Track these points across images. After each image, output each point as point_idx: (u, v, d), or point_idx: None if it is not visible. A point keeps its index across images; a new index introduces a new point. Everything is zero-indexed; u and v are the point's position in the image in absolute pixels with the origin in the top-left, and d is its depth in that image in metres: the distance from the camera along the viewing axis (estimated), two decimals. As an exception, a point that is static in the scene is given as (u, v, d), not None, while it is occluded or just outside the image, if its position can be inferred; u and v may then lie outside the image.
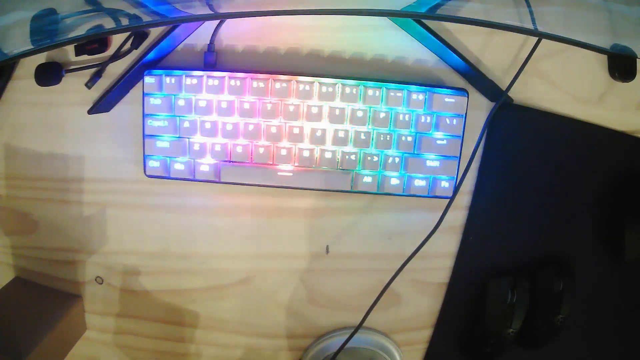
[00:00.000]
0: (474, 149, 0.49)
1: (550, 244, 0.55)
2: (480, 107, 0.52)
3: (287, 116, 0.50)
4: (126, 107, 0.54)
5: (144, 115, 0.51)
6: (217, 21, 0.51)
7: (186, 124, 0.51)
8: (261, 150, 0.51)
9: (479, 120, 0.52)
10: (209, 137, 0.51)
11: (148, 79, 0.50)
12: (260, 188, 0.53)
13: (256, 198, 0.55)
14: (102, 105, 0.53)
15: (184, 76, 0.50)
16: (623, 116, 0.52)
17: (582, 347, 0.57)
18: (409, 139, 0.51)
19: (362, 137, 0.50)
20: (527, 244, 0.55)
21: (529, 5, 0.42)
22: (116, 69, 0.53)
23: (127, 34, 0.51)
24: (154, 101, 0.51)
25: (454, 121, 0.50)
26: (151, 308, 0.58)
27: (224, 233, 0.56)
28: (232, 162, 0.51)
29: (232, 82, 0.50)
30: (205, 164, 0.52)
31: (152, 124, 0.51)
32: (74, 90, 0.53)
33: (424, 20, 0.49)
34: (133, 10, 0.43)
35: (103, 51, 0.52)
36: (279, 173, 0.51)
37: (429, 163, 0.51)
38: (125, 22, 0.43)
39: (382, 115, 0.50)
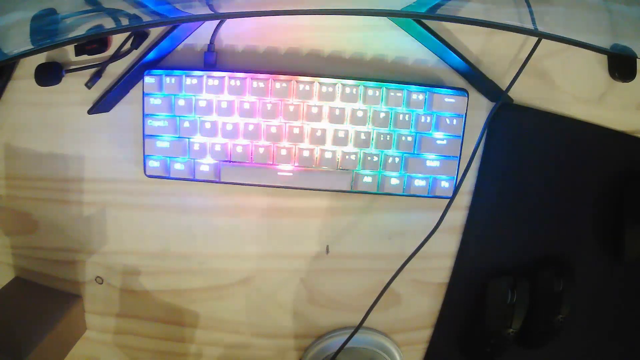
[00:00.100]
0: (474, 149, 0.49)
1: (550, 244, 0.55)
2: (480, 107, 0.52)
3: (287, 116, 0.50)
4: (126, 107, 0.54)
5: (144, 115, 0.51)
6: (217, 21, 0.51)
7: (186, 124, 0.51)
8: (261, 150, 0.51)
9: (479, 120, 0.52)
10: (209, 137, 0.51)
11: (148, 79, 0.50)
12: (260, 188, 0.53)
13: (256, 198, 0.55)
14: (102, 105, 0.53)
15: (184, 76, 0.50)
16: (623, 116, 0.52)
17: (582, 347, 0.57)
18: (409, 139, 0.51)
19: (362, 137, 0.50)
20: (527, 244, 0.55)
21: (529, 5, 0.42)
22: (116, 69, 0.53)
23: (127, 34, 0.51)
24: (154, 101, 0.51)
25: (454, 121, 0.50)
26: (151, 308, 0.58)
27: (224, 233, 0.56)
28: (232, 162, 0.51)
29: (232, 82, 0.50)
30: (205, 164, 0.52)
31: (152, 124, 0.51)
32: (74, 90, 0.53)
33: (424, 20, 0.49)
34: (133, 10, 0.43)
35: (103, 51, 0.52)
36: (279, 173, 0.51)
37: (429, 163, 0.51)
38: (125, 22, 0.43)
39: (382, 115, 0.50)
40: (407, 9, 0.43)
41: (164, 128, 0.51)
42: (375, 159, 0.51)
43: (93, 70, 0.52)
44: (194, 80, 0.50)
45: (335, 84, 0.49)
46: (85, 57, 0.52)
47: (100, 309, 0.59)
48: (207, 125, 0.51)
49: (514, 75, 0.49)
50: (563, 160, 0.53)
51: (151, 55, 0.51)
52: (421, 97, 0.50)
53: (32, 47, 0.43)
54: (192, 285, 0.57)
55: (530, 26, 0.43)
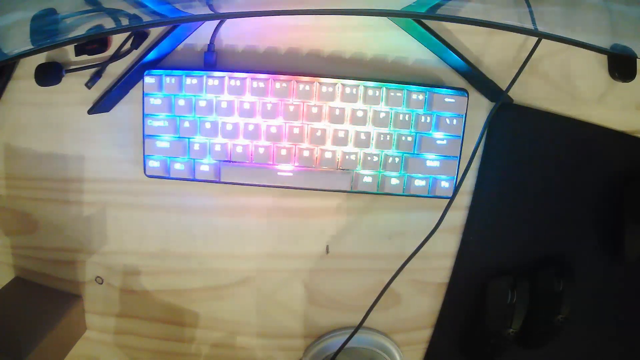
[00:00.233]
0: (474, 149, 0.49)
1: (550, 244, 0.55)
2: (480, 107, 0.52)
3: (287, 116, 0.50)
4: (126, 107, 0.54)
5: (144, 115, 0.51)
6: (217, 21, 0.51)
7: (186, 124, 0.51)
8: (261, 150, 0.51)
9: (479, 120, 0.52)
10: (209, 137, 0.51)
11: (148, 79, 0.50)
12: (260, 188, 0.53)
13: (256, 198, 0.55)
14: (102, 105, 0.53)
15: (184, 76, 0.50)
16: (623, 116, 0.52)
17: (582, 347, 0.57)
18: (409, 139, 0.51)
19: (362, 137, 0.50)
20: (527, 244, 0.55)
21: (529, 5, 0.42)
22: (116, 69, 0.53)
23: (127, 34, 0.51)
24: (154, 101, 0.51)
25: (454, 121, 0.50)
26: (151, 308, 0.58)
27: (224, 233, 0.56)
28: (232, 162, 0.51)
29: (232, 82, 0.50)
30: (205, 164, 0.52)
31: (152, 124, 0.51)
32: (74, 90, 0.53)
33: (424, 20, 0.49)
34: (133, 10, 0.43)
35: (103, 51, 0.52)
36: (279, 173, 0.51)
37: (429, 163, 0.51)
38: (125, 22, 0.43)
39: (382, 115, 0.50)
40: (407, 9, 0.43)
41: (164, 128, 0.51)
42: (375, 159, 0.51)
43: (93, 70, 0.52)
44: (194, 80, 0.50)
45: (335, 84, 0.49)
46: (85, 57, 0.52)
47: (100, 309, 0.59)
48: (207, 125, 0.51)
49: (514, 75, 0.49)
50: (563, 160, 0.53)
51: (151, 55, 0.51)
52: (421, 97, 0.50)
53: (32, 47, 0.43)
54: (192, 285, 0.57)
55: (530, 26, 0.43)
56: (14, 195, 0.56)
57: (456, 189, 0.49)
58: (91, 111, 0.53)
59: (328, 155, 0.51)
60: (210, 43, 0.51)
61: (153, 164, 0.52)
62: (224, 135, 0.51)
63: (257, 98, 0.50)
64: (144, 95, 0.51)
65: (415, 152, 0.51)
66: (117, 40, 0.52)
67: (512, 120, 0.52)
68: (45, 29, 0.42)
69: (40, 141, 0.55)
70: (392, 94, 0.49)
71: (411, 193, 0.52)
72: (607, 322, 0.57)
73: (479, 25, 0.45)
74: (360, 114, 0.50)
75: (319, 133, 0.50)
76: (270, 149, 0.51)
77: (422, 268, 0.55)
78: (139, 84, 0.52)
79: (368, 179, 0.51)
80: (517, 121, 0.52)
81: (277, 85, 0.49)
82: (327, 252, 0.56)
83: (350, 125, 0.50)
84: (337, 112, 0.50)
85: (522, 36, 0.51)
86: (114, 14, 0.43)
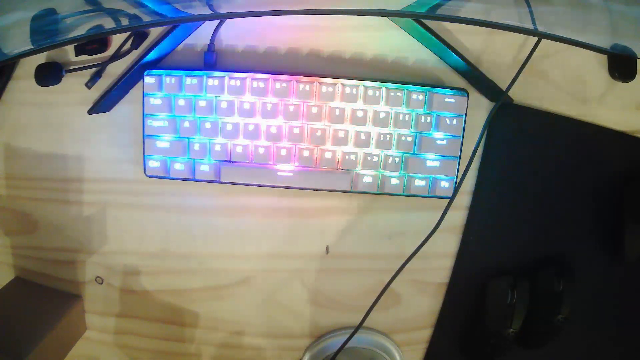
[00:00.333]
0: (474, 149, 0.49)
1: (550, 244, 0.55)
2: (480, 107, 0.52)
3: (287, 116, 0.50)
4: (126, 107, 0.54)
5: (144, 115, 0.51)
6: (217, 21, 0.51)
7: (186, 124, 0.51)
8: (261, 150, 0.51)
9: (479, 120, 0.52)
10: (209, 137, 0.51)
11: (148, 79, 0.50)
12: (260, 188, 0.53)
13: (256, 198, 0.55)
14: (102, 105, 0.53)
15: (184, 76, 0.50)
16: (623, 116, 0.52)
17: (582, 347, 0.57)
18: (409, 139, 0.51)
19: (362, 137, 0.50)
20: (527, 244, 0.55)
21: (529, 5, 0.42)
22: (116, 69, 0.53)
23: (127, 34, 0.51)
24: (154, 101, 0.51)
25: (454, 121, 0.50)
26: (151, 308, 0.58)
27: (224, 233, 0.56)
28: (232, 162, 0.51)
29: (232, 82, 0.50)
30: (205, 164, 0.52)
31: (152, 124, 0.51)
32: (74, 90, 0.53)
33: (424, 20, 0.49)
34: (133, 10, 0.43)
35: (103, 51, 0.52)
36: (278, 173, 0.51)
37: (428, 163, 0.51)
38: (125, 22, 0.43)
39: (382, 115, 0.50)
40: (407, 9, 0.43)
41: (164, 128, 0.51)
42: (375, 159, 0.51)
43: (93, 70, 0.52)
44: (194, 80, 0.50)
45: (335, 84, 0.49)
46: (85, 57, 0.52)
47: (100, 309, 0.59)
48: (207, 125, 0.51)
49: (514, 75, 0.49)
50: (563, 160, 0.53)
51: (151, 55, 0.51)
52: (421, 97, 0.50)
53: (32, 47, 0.43)
54: (192, 285, 0.57)
55: (530, 26, 0.43)
56: (14, 195, 0.56)
57: (456, 189, 0.49)
58: (91, 111, 0.53)
59: (328, 155, 0.51)
60: (210, 43, 0.51)
61: (153, 164, 0.52)
62: (224, 135, 0.51)
63: (257, 98, 0.50)
64: (144, 95, 0.51)
65: (415, 152, 0.51)
66: (117, 40, 0.52)
67: (512, 120, 0.52)
68: (45, 29, 0.42)
69: (40, 141, 0.55)
70: (392, 94, 0.49)
71: (411, 193, 0.52)
72: (607, 322, 0.57)
73: (479, 25, 0.45)
74: (360, 114, 0.50)
75: (319, 133, 0.50)
76: (270, 149, 0.51)
77: (422, 268, 0.55)
78: (139, 84, 0.52)
79: (368, 179, 0.51)
80: (517, 121, 0.52)
81: (277, 85, 0.49)
82: (327, 252, 0.56)
83: (350, 125, 0.50)
84: (337, 112, 0.50)
85: (522, 36, 0.51)
86: (114, 14, 0.43)
